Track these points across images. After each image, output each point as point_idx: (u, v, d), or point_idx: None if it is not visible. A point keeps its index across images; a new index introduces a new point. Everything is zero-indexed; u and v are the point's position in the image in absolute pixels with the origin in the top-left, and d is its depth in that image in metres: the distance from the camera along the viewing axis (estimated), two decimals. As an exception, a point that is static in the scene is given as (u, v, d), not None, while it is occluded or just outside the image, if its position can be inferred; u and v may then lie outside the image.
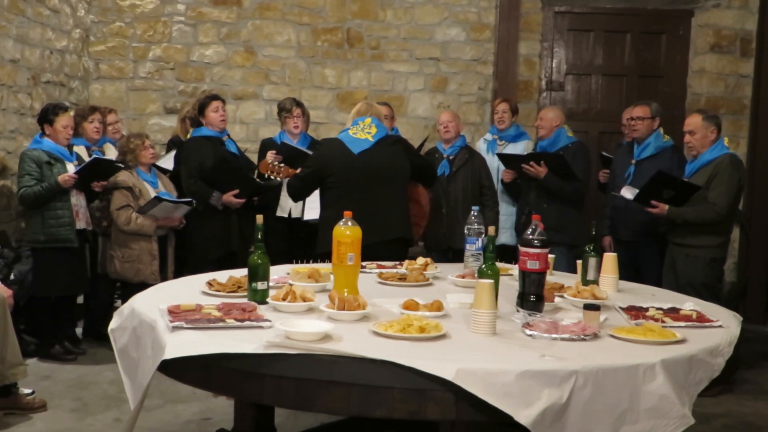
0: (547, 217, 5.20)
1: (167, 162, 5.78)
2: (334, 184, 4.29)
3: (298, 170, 4.57)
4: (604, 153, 6.06)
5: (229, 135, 5.58)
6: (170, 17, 7.15)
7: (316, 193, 4.58)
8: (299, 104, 5.75)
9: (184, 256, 5.59)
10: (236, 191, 5.27)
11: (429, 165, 4.89)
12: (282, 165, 4.89)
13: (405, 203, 4.46)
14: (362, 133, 4.32)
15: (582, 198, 5.48)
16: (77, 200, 5.07)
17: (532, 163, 5.27)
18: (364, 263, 3.44)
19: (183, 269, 5.54)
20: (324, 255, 4.12)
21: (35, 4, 6.02)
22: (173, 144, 5.97)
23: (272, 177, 4.92)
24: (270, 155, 5.38)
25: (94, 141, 5.53)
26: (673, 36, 7.21)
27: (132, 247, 5.25)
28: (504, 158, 5.56)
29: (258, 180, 5.46)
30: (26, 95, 5.92)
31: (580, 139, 5.76)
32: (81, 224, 5.08)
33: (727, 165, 4.69)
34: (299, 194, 4.83)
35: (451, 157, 5.50)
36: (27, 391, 4.24)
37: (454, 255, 5.16)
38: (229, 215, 5.38)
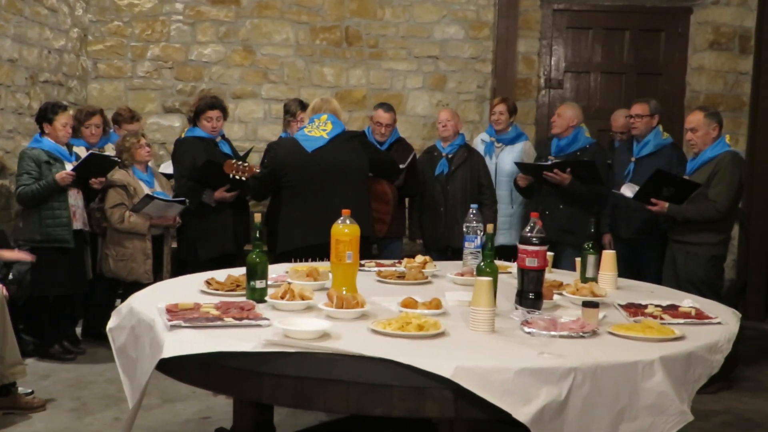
0: (561, 218, 5.21)
1: (168, 168, 5.76)
2: (289, 183, 4.28)
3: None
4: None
5: (223, 136, 5.49)
6: (168, 16, 7.14)
7: None
8: (304, 107, 5.39)
9: (184, 256, 5.56)
10: (227, 186, 5.12)
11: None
12: (246, 164, 4.84)
13: (364, 200, 4.36)
14: (317, 131, 4.29)
15: (597, 200, 5.40)
16: (75, 201, 5.07)
17: (556, 170, 5.13)
18: (362, 261, 3.43)
19: (185, 269, 5.51)
20: (284, 254, 4.09)
21: (33, 3, 6.01)
22: None
23: (237, 177, 4.84)
24: None
25: (93, 144, 5.52)
26: (672, 33, 7.21)
27: (126, 246, 5.24)
28: (524, 167, 5.36)
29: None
30: (24, 95, 5.92)
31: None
32: (78, 225, 5.07)
33: (728, 163, 4.68)
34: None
35: (450, 156, 5.49)
36: (27, 391, 4.24)
37: (453, 254, 5.15)
38: (223, 215, 5.27)
